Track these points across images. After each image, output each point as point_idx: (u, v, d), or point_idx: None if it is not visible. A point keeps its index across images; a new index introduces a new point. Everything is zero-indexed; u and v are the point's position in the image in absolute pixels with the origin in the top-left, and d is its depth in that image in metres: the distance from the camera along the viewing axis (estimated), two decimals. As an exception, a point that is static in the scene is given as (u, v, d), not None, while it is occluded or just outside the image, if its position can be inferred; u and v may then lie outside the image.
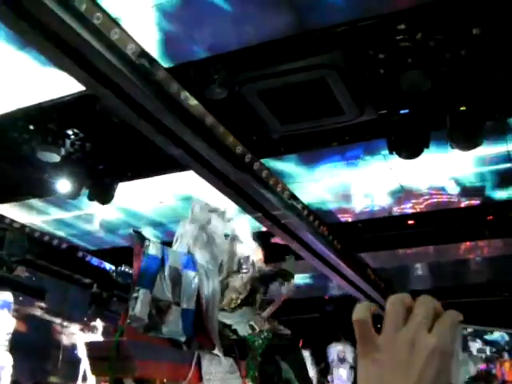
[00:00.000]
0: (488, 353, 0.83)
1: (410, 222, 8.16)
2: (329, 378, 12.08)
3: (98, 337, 10.42)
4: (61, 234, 9.79)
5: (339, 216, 8.37)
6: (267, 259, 5.45)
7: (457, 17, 4.32)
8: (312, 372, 10.51)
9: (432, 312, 0.72)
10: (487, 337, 0.83)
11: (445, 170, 6.81)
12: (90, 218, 9.07)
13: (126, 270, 9.75)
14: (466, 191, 7.34)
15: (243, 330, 4.80)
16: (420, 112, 5.41)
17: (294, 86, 5.16)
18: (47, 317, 10.98)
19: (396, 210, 8.07)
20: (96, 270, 10.53)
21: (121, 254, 9.63)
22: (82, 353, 9.80)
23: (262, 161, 6.10)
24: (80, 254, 10.14)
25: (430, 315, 0.71)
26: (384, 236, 8.62)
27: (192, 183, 7.03)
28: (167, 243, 4.90)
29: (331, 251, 7.91)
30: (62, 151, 6.24)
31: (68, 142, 6.29)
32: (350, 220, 8.50)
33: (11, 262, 9.42)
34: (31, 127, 6.14)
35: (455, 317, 0.72)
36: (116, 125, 5.82)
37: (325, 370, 12.15)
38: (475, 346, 0.82)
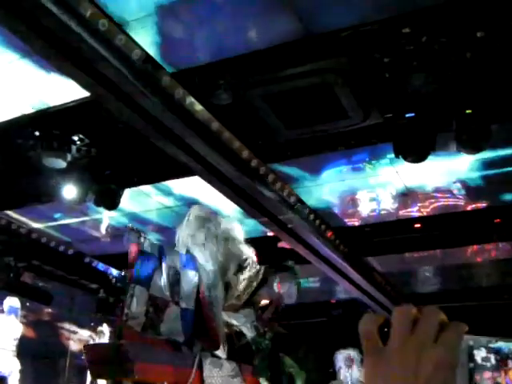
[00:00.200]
0: (493, 361, 0.83)
1: (417, 225, 8.13)
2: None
3: (105, 341, 10.42)
4: (67, 239, 9.81)
5: (346, 220, 8.37)
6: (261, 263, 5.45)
7: (461, 20, 4.31)
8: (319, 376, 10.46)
9: (438, 323, 0.72)
10: (492, 345, 0.83)
11: (451, 173, 6.79)
12: (97, 224, 9.09)
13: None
14: (473, 194, 7.31)
15: (249, 332, 4.79)
16: (426, 115, 5.39)
17: (300, 91, 5.15)
18: (54, 322, 11.01)
19: (402, 214, 8.05)
20: (102, 276, 10.55)
21: (127, 260, 9.61)
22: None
23: (268, 165, 6.09)
24: (87, 259, 10.15)
25: (436, 327, 0.72)
26: (391, 240, 8.59)
27: (198, 188, 7.04)
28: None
29: (338, 255, 7.89)
30: (68, 157, 6.24)
31: (74, 147, 6.29)
32: (356, 224, 8.49)
33: (18, 268, 9.45)
34: (37, 133, 6.15)
35: (461, 328, 0.73)
36: (121, 130, 5.83)
37: (332, 374, 12.10)
38: (480, 354, 0.82)
